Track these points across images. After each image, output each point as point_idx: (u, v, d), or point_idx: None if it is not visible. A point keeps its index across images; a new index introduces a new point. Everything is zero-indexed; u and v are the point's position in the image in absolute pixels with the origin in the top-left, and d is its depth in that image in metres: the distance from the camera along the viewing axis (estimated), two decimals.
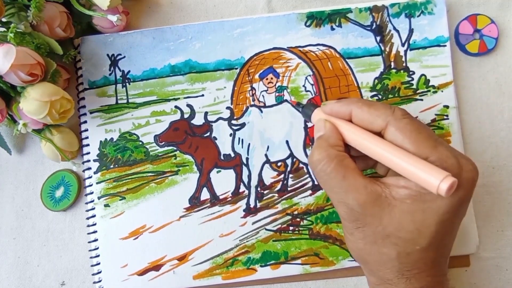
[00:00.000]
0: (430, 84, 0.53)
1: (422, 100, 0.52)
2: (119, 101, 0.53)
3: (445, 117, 0.52)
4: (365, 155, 0.41)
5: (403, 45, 0.53)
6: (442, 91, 0.52)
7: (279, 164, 0.52)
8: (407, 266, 0.37)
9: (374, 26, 0.53)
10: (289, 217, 0.52)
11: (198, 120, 0.52)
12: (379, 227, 0.37)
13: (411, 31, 0.53)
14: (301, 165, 0.52)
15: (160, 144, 0.52)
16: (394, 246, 0.37)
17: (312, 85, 0.53)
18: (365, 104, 0.40)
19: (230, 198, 0.52)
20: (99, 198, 0.52)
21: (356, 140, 0.40)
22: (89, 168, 0.52)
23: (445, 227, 0.37)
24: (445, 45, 0.53)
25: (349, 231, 0.39)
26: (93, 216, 0.52)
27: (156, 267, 0.51)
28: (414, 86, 0.53)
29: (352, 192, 0.37)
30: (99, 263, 0.51)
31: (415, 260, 0.37)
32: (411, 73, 0.53)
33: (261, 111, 0.53)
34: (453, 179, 0.33)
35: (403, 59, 0.53)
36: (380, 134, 0.39)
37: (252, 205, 0.52)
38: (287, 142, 0.52)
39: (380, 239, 0.37)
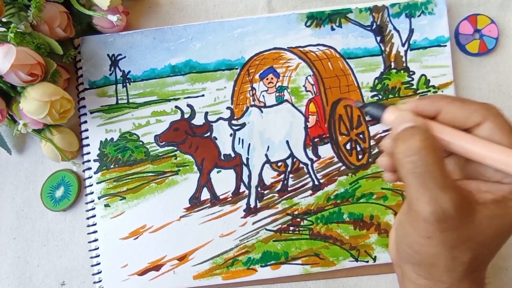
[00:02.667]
0: (430, 84, 0.53)
1: None
2: (120, 101, 0.53)
3: None
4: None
5: (403, 45, 0.53)
6: (442, 91, 0.52)
7: (279, 164, 0.52)
8: (474, 269, 0.35)
9: (374, 26, 0.53)
10: (289, 217, 0.52)
11: (198, 120, 0.52)
12: (465, 232, 0.34)
13: (411, 31, 0.53)
14: (301, 165, 0.52)
15: (161, 144, 0.52)
16: (471, 250, 0.35)
17: (312, 85, 0.53)
18: (456, 99, 0.37)
19: (230, 198, 0.52)
20: (99, 198, 0.52)
21: (453, 137, 0.36)
22: (89, 168, 0.52)
23: None
24: (445, 45, 0.53)
25: (427, 234, 0.35)
26: (93, 216, 0.52)
27: (156, 267, 0.51)
28: (414, 86, 0.53)
29: (450, 192, 0.33)
30: (99, 263, 0.51)
31: (481, 263, 0.36)
32: (411, 73, 0.53)
33: (262, 111, 0.53)
34: None
35: (403, 59, 0.53)
36: (468, 132, 0.36)
37: (252, 205, 0.52)
38: (287, 142, 0.52)
39: (461, 243, 0.34)
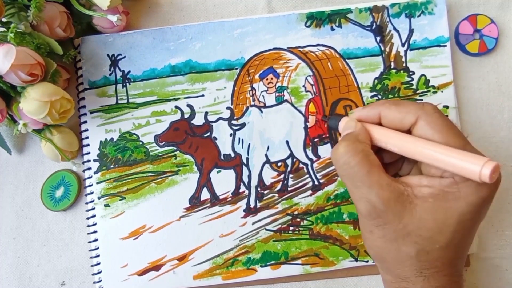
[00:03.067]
0: (430, 84, 0.53)
1: (422, 100, 0.52)
2: (119, 101, 0.53)
3: None
4: (392, 160, 0.42)
5: (403, 45, 0.53)
6: (442, 91, 0.52)
7: (279, 164, 0.52)
8: (426, 265, 0.37)
9: (374, 26, 0.53)
10: (289, 217, 0.52)
11: (198, 120, 0.52)
12: (400, 225, 0.37)
13: (411, 31, 0.53)
14: (301, 165, 0.52)
15: (160, 144, 0.52)
16: (414, 244, 0.37)
17: (312, 85, 0.53)
18: (393, 103, 0.40)
19: (230, 198, 0.52)
20: (99, 198, 0.52)
21: (387, 137, 0.40)
22: (89, 168, 0.52)
23: (465, 227, 0.37)
24: (445, 45, 0.53)
25: (368, 229, 0.39)
26: (93, 216, 0.52)
27: (156, 267, 0.51)
28: (414, 86, 0.53)
29: (376, 188, 0.37)
30: (99, 263, 0.51)
31: (434, 258, 0.37)
32: (411, 73, 0.53)
33: (261, 111, 0.53)
34: (494, 163, 0.33)
35: (403, 59, 0.53)
36: (409, 133, 0.39)
37: (252, 205, 0.52)
38: (287, 142, 0.52)
39: (400, 237, 0.37)
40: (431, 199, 0.36)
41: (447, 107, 0.52)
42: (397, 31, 0.53)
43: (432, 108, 0.38)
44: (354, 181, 0.38)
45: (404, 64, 0.53)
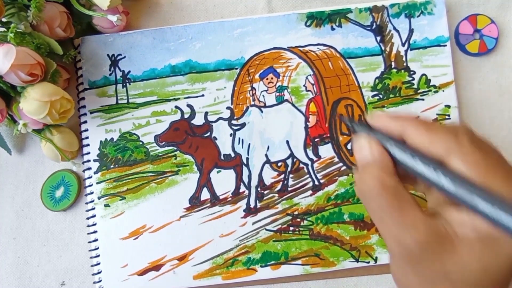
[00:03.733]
0: (431, 83, 0.53)
1: (423, 100, 0.52)
2: (120, 101, 0.53)
3: (446, 116, 0.52)
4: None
5: (403, 45, 0.53)
6: (443, 91, 0.52)
7: (279, 164, 0.52)
8: None
9: (374, 26, 0.53)
10: (290, 217, 0.52)
11: (198, 120, 0.52)
12: (440, 267, 0.32)
13: (411, 31, 0.53)
14: (301, 165, 0.52)
15: (161, 144, 0.52)
16: (453, 286, 0.32)
17: (312, 84, 0.53)
18: (422, 124, 0.34)
19: (230, 198, 0.52)
20: (99, 198, 0.52)
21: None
22: (89, 168, 0.52)
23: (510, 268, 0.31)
24: (445, 45, 0.53)
25: (401, 268, 0.34)
26: (93, 216, 0.52)
27: (156, 267, 0.51)
28: (415, 86, 0.53)
29: (411, 230, 0.32)
30: (99, 263, 0.51)
31: None
32: (412, 73, 0.53)
33: (262, 111, 0.53)
34: None
35: (404, 59, 0.53)
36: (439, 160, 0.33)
37: (252, 205, 0.52)
38: (287, 142, 0.52)
39: (439, 280, 0.32)
40: (478, 243, 0.31)
41: (448, 106, 0.52)
42: (397, 31, 0.53)
43: (468, 139, 0.32)
44: (383, 220, 0.33)
45: (404, 64, 0.53)
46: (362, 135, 0.36)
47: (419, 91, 0.53)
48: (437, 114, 0.52)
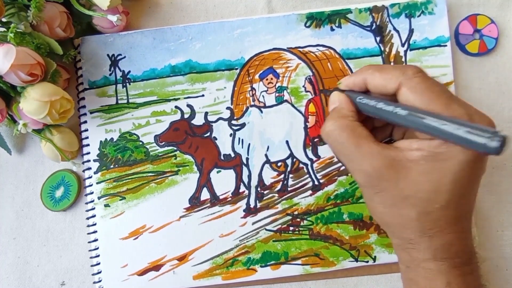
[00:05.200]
0: None
1: None
2: (120, 101, 0.53)
3: None
4: (383, 124, 0.43)
5: (403, 45, 0.53)
6: None
7: (279, 164, 0.52)
8: (428, 225, 0.37)
9: (374, 26, 0.53)
10: (289, 217, 0.52)
11: (198, 120, 0.52)
12: (397, 190, 0.37)
13: (411, 31, 0.53)
14: (301, 165, 0.52)
15: (160, 144, 0.52)
16: (414, 206, 0.37)
17: (312, 85, 0.53)
18: (376, 69, 0.40)
19: (230, 198, 0.52)
20: (99, 198, 0.52)
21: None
22: (89, 168, 0.52)
23: (462, 185, 0.36)
24: (445, 45, 0.53)
25: (369, 197, 0.40)
26: (93, 216, 0.52)
27: (156, 267, 0.51)
28: None
29: (367, 159, 0.38)
30: (99, 263, 0.51)
31: (436, 218, 0.37)
32: None
33: (261, 111, 0.53)
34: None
35: (403, 59, 0.53)
36: (395, 98, 0.39)
37: (252, 205, 0.52)
38: (287, 142, 0.52)
39: (399, 201, 0.38)
40: (423, 161, 0.36)
41: None
42: (397, 31, 0.53)
43: (413, 72, 0.38)
44: (346, 155, 0.40)
45: (404, 64, 0.53)
46: (334, 93, 0.44)
47: None
48: None
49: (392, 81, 0.39)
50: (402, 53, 0.53)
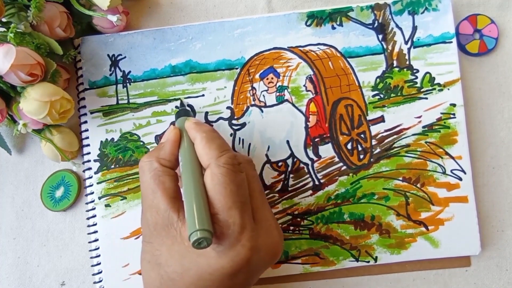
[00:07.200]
0: (435, 82, 0.52)
1: (426, 98, 0.52)
2: (120, 101, 0.52)
3: (451, 115, 0.52)
4: None
5: (406, 42, 0.53)
6: (448, 89, 0.52)
7: (279, 164, 0.52)
8: None
9: (376, 24, 0.53)
10: (290, 217, 0.52)
11: None
12: (157, 252, 0.38)
13: (414, 28, 0.53)
14: (301, 165, 0.52)
15: None
16: (160, 276, 0.37)
17: (313, 84, 0.53)
18: (207, 138, 0.40)
19: None
20: (99, 198, 0.51)
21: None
22: (90, 168, 0.52)
23: (208, 285, 0.36)
24: (451, 42, 0.52)
25: (143, 239, 0.40)
26: (94, 216, 0.52)
27: None
28: (418, 85, 0.52)
29: (153, 209, 0.38)
30: (99, 263, 0.51)
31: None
32: (415, 71, 0.52)
33: (262, 111, 0.52)
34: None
35: (406, 57, 0.53)
36: None
37: None
38: (287, 142, 0.52)
39: (154, 262, 0.38)
40: (187, 243, 0.36)
41: (454, 105, 0.52)
42: (400, 29, 0.53)
43: (225, 162, 0.38)
44: (143, 192, 0.40)
45: (407, 62, 0.53)
46: (171, 127, 0.43)
47: (422, 90, 0.52)
48: (441, 113, 0.52)
49: (205, 158, 0.39)
50: (405, 51, 0.53)
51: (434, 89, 0.52)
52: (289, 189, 0.52)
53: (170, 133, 0.43)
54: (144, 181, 0.40)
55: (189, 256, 0.36)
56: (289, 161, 0.52)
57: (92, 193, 0.52)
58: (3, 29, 0.47)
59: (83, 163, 0.52)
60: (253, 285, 0.48)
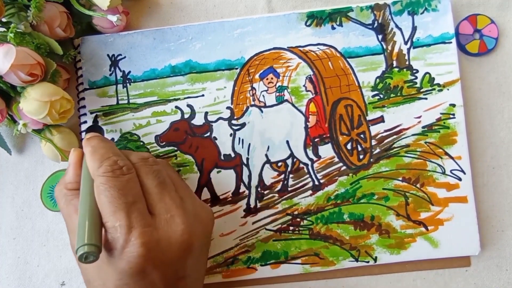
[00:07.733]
0: (435, 82, 0.52)
1: (426, 99, 0.52)
2: (120, 102, 0.52)
3: (451, 116, 0.52)
4: None
5: (406, 43, 0.53)
6: (448, 89, 0.52)
7: (279, 164, 0.52)
8: None
9: (375, 24, 0.53)
10: (289, 217, 0.52)
11: (198, 120, 0.52)
12: (86, 271, 0.40)
13: (414, 28, 0.53)
14: (301, 165, 0.52)
15: (161, 144, 0.52)
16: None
17: (312, 85, 0.53)
18: (91, 151, 0.42)
19: (230, 198, 0.52)
20: None
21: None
22: None
23: None
24: (450, 42, 0.52)
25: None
26: None
27: None
28: (418, 85, 0.52)
29: (72, 234, 0.40)
30: None
31: None
32: (414, 71, 0.52)
33: (262, 111, 0.52)
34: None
35: (406, 57, 0.53)
36: None
37: (252, 205, 0.52)
38: (287, 142, 0.52)
39: (86, 280, 0.40)
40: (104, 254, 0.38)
41: (453, 105, 0.52)
42: (400, 29, 0.53)
43: (103, 171, 0.39)
44: (64, 220, 0.42)
45: (407, 62, 0.53)
46: (71, 150, 0.45)
47: (422, 90, 0.52)
48: (441, 114, 0.52)
49: (91, 172, 0.40)
50: (405, 51, 0.53)
51: (434, 89, 0.52)
52: (289, 189, 0.52)
53: (70, 156, 0.44)
54: (61, 208, 0.42)
55: (104, 268, 0.38)
56: (289, 161, 0.52)
57: None
58: (3, 29, 0.47)
59: None
60: (259, 284, 0.51)
